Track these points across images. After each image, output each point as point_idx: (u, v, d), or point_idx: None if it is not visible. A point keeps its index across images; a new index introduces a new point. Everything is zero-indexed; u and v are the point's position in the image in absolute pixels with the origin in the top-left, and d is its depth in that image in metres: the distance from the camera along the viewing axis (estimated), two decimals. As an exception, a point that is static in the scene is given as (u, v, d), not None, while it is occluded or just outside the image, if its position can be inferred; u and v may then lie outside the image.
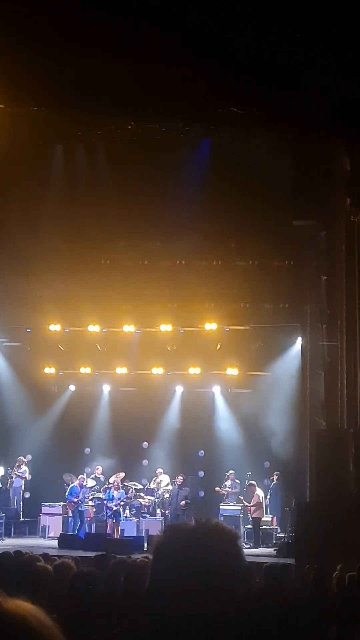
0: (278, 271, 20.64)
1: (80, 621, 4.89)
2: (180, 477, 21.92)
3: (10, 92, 15.39)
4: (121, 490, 21.41)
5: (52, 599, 5.52)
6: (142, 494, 22.61)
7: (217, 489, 22.50)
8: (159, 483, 22.85)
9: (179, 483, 21.77)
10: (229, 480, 22.48)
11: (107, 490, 21.63)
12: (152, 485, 23.00)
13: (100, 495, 21.97)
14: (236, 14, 12.94)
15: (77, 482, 22.11)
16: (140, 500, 22.33)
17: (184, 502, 21.29)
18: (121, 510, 21.24)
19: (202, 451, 24.40)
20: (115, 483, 21.60)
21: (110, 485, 21.87)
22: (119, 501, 21.14)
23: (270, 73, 13.90)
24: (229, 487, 22.39)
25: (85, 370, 24.39)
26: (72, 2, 13.19)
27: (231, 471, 22.61)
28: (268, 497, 22.14)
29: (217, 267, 20.70)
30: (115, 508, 21.04)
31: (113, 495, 21.20)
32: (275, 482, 22.39)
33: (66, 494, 22.06)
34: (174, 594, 1.90)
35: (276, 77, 14.06)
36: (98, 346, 23.53)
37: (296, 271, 20.12)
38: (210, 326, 21.89)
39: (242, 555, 2.03)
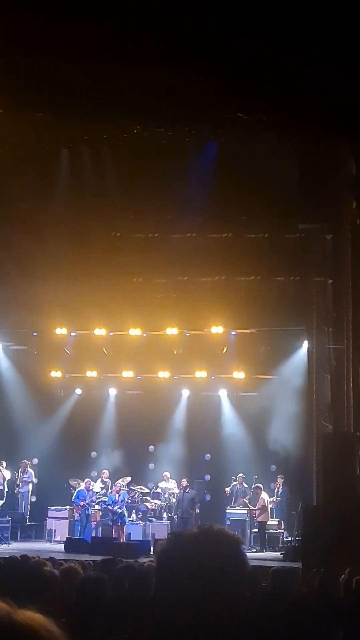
0: (282, 275, 20.63)
1: (87, 626, 4.90)
2: (184, 481, 21.95)
3: (16, 98, 15.42)
4: (122, 492, 21.38)
5: (59, 604, 5.53)
6: (148, 498, 22.61)
7: (226, 489, 22.46)
8: (165, 487, 22.85)
9: (183, 486, 21.80)
10: (238, 484, 22.43)
11: (109, 495, 21.64)
12: (158, 489, 22.99)
13: (105, 499, 21.98)
14: (241, 19, 12.96)
15: (84, 485, 22.10)
16: (147, 504, 22.33)
17: (197, 510, 21.35)
18: (125, 512, 21.23)
19: (209, 455, 24.39)
20: (116, 486, 21.58)
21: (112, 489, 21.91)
22: (122, 504, 21.14)
23: (275, 77, 13.91)
24: (236, 491, 22.33)
25: (91, 373, 24.43)
26: (76, 7, 13.22)
27: (240, 474, 22.57)
28: (273, 500, 22.07)
29: (225, 243, 20.58)
30: (119, 511, 21.04)
31: (115, 499, 21.18)
32: (281, 486, 22.32)
33: (73, 497, 22.08)
34: (179, 601, 1.90)
35: (281, 81, 14.07)
36: (104, 350, 23.56)
37: (302, 274, 20.11)
38: (217, 329, 21.88)
39: (246, 561, 2.04)
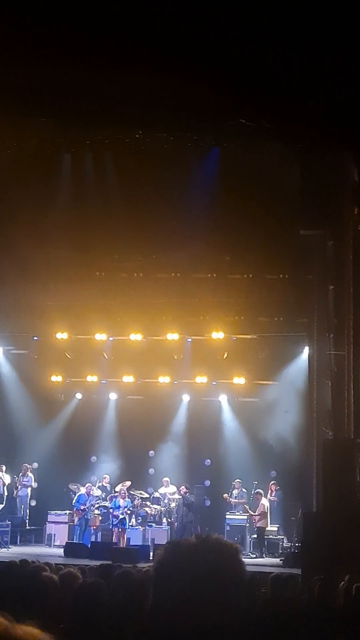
0: (283, 281, 20.64)
1: (85, 632, 4.89)
2: (183, 487, 21.95)
3: (17, 102, 15.44)
4: (127, 499, 21.42)
5: (57, 610, 5.51)
6: (148, 503, 22.59)
7: (225, 495, 22.44)
8: (164, 492, 22.84)
9: (182, 492, 21.79)
10: (236, 490, 22.41)
11: (113, 499, 21.63)
12: (158, 494, 22.98)
13: (107, 503, 21.97)
14: (245, 27, 12.99)
15: (85, 490, 22.09)
16: (146, 509, 22.32)
17: (191, 518, 21.40)
18: (127, 518, 21.24)
19: (209, 460, 24.37)
20: (122, 492, 21.61)
21: (116, 494, 21.87)
22: (125, 509, 21.15)
23: (278, 85, 13.93)
24: (235, 497, 22.33)
25: (92, 378, 24.43)
26: (79, 13, 13.24)
27: (237, 480, 22.55)
28: (270, 505, 22.03)
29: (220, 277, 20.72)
30: (121, 516, 21.05)
31: (119, 504, 21.20)
32: (274, 492, 22.25)
33: (73, 501, 22.07)
34: (177, 611, 1.90)
35: (284, 88, 14.09)
36: (105, 354, 23.56)
37: (303, 281, 20.10)
38: (217, 335, 21.87)
39: (244, 569, 2.03)
